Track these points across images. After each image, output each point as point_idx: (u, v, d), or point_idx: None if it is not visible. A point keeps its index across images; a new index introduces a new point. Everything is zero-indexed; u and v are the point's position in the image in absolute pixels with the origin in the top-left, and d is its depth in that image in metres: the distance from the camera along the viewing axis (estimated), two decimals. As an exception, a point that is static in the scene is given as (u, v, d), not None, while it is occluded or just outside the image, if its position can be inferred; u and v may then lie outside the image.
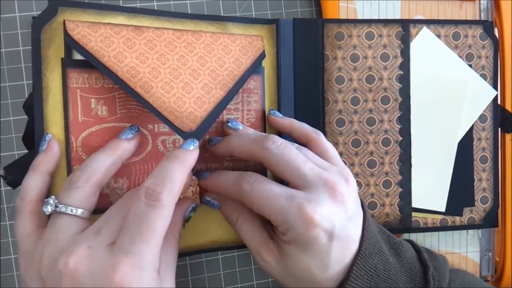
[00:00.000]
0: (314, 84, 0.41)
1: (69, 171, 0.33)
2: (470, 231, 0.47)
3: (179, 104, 0.33)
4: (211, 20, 0.37)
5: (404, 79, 0.43)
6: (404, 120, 0.43)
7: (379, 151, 0.42)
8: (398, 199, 0.43)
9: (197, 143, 0.31)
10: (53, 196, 0.30)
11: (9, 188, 0.38)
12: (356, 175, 0.42)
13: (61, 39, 0.32)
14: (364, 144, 0.42)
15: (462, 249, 0.47)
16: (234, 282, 0.44)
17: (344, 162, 0.38)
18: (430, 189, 0.44)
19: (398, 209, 0.43)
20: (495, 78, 0.44)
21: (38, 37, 0.32)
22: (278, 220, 0.31)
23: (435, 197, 0.44)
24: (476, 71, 0.44)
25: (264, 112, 0.39)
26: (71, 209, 0.29)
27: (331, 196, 0.31)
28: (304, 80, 0.40)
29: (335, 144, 0.42)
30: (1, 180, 0.39)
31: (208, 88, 0.34)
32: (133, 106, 0.34)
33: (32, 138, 0.32)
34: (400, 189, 0.43)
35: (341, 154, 0.41)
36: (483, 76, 0.44)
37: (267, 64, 0.39)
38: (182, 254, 0.36)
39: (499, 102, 0.45)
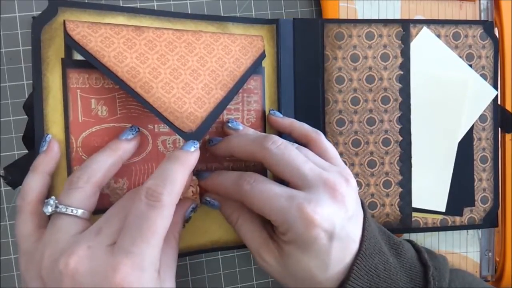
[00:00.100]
0: (314, 84, 0.41)
1: (70, 171, 0.33)
2: (470, 231, 0.47)
3: (179, 105, 0.33)
4: (211, 20, 0.37)
5: (404, 79, 0.43)
6: (404, 120, 0.43)
7: (379, 151, 0.42)
8: (398, 199, 0.43)
9: (197, 145, 0.31)
10: (53, 197, 0.30)
11: (9, 188, 0.38)
12: (356, 175, 0.42)
13: (61, 39, 0.32)
14: (364, 144, 0.42)
15: (462, 249, 0.47)
16: (234, 282, 0.44)
17: (344, 162, 0.38)
18: (430, 189, 0.44)
19: (398, 209, 0.43)
20: (495, 78, 0.44)
21: (38, 37, 0.32)
22: (278, 220, 0.31)
23: (435, 197, 0.44)
24: (476, 71, 0.44)
25: (264, 112, 0.39)
26: (72, 210, 0.29)
27: (331, 196, 0.31)
28: (304, 80, 0.40)
29: (335, 144, 0.42)
30: (1, 180, 0.39)
31: (208, 88, 0.34)
32: (133, 106, 0.34)
33: (32, 138, 0.32)
34: (400, 189, 0.43)
35: (341, 154, 0.41)
36: (483, 76, 0.44)
37: (267, 64, 0.39)
38: (182, 254, 0.36)
39: (499, 102, 0.45)
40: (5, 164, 0.35)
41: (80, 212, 0.29)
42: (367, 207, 0.37)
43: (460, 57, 0.44)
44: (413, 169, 0.43)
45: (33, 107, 0.32)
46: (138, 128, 0.34)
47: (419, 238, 0.46)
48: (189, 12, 0.42)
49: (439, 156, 0.44)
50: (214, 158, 0.37)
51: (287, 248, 0.32)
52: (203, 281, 0.43)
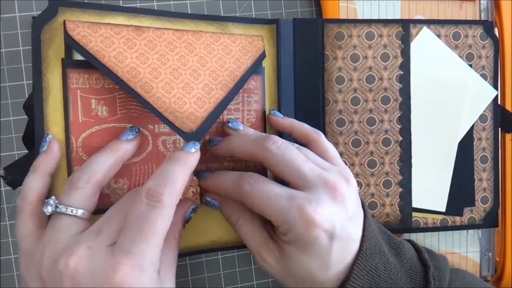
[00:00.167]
0: (314, 84, 0.41)
1: (70, 171, 0.33)
2: (470, 231, 0.47)
3: (180, 105, 0.33)
4: (211, 20, 0.37)
5: (404, 79, 0.43)
6: (404, 120, 0.43)
7: (379, 151, 0.42)
8: (398, 199, 0.43)
9: (198, 146, 0.31)
10: (53, 197, 0.30)
11: (9, 188, 0.38)
12: (356, 175, 0.42)
13: (61, 39, 0.32)
14: (364, 144, 0.42)
15: (462, 249, 0.47)
16: (234, 282, 0.44)
17: (345, 162, 0.38)
18: (431, 189, 0.44)
19: (398, 209, 0.43)
20: (495, 78, 0.44)
21: (38, 37, 0.32)
22: (278, 221, 0.31)
23: (435, 197, 0.44)
24: (476, 71, 0.44)
25: (264, 112, 0.39)
26: (72, 210, 0.29)
27: (332, 197, 0.31)
28: (304, 80, 0.40)
29: (335, 144, 0.42)
30: (1, 180, 0.39)
31: (208, 89, 0.34)
32: (133, 106, 0.34)
33: (32, 138, 0.32)
34: (401, 189, 0.43)
35: (341, 154, 0.41)
36: (483, 76, 0.44)
37: (267, 64, 0.39)
38: (183, 254, 0.36)
39: (499, 102, 0.45)
40: (5, 164, 0.35)
41: (80, 212, 0.29)
42: (367, 207, 0.37)
43: (460, 57, 0.44)
44: (413, 169, 0.43)
45: (33, 107, 0.32)
46: (138, 128, 0.34)
47: (419, 238, 0.46)
48: (189, 12, 0.42)
49: (439, 156, 0.44)
50: (214, 158, 0.37)
51: (287, 248, 0.32)
52: (203, 281, 0.43)
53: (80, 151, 0.33)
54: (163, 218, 0.27)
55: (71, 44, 0.32)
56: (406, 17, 0.45)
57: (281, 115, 0.38)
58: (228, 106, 0.36)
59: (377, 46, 0.42)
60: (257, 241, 0.33)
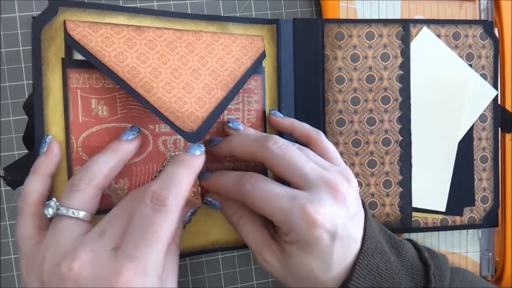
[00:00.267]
0: (314, 84, 0.41)
1: (70, 171, 0.32)
2: (470, 231, 0.47)
3: (180, 104, 0.33)
4: (211, 20, 0.37)
5: (404, 79, 0.43)
6: (405, 120, 0.43)
7: (379, 151, 0.43)
8: (399, 199, 0.43)
9: (203, 148, 0.31)
10: (54, 199, 0.30)
11: (9, 188, 0.38)
12: (356, 175, 0.42)
13: (61, 39, 0.32)
14: (365, 144, 0.42)
15: (462, 249, 0.47)
16: (234, 282, 0.44)
17: (345, 162, 0.38)
18: (431, 189, 0.44)
19: (398, 209, 0.43)
20: (495, 78, 0.44)
21: (38, 37, 0.32)
22: (280, 221, 0.31)
23: (435, 197, 0.44)
24: (476, 71, 0.44)
25: (264, 112, 0.39)
26: (73, 212, 0.29)
27: (333, 196, 0.31)
28: (304, 80, 0.40)
29: (336, 144, 0.41)
30: (1, 180, 0.39)
31: (209, 88, 0.34)
32: (133, 106, 0.34)
33: (32, 139, 0.32)
34: (401, 189, 0.43)
35: (341, 154, 0.41)
36: (483, 76, 0.44)
37: (268, 64, 0.39)
38: (183, 255, 0.36)
39: (499, 102, 0.45)
40: (5, 164, 0.35)
41: (82, 214, 0.29)
42: (367, 206, 0.37)
43: (460, 57, 0.44)
44: (413, 169, 0.43)
45: (33, 107, 0.32)
46: (139, 129, 0.34)
47: (419, 238, 0.46)
48: (189, 12, 0.42)
49: (439, 156, 0.44)
50: (215, 158, 0.37)
51: (289, 249, 0.32)
52: (203, 281, 0.43)
53: (80, 151, 0.33)
54: (167, 222, 0.27)
55: (71, 44, 0.31)
56: (406, 17, 0.45)
57: (282, 115, 0.38)
58: (229, 106, 0.36)
59: (377, 46, 0.42)
60: (259, 241, 0.33)
